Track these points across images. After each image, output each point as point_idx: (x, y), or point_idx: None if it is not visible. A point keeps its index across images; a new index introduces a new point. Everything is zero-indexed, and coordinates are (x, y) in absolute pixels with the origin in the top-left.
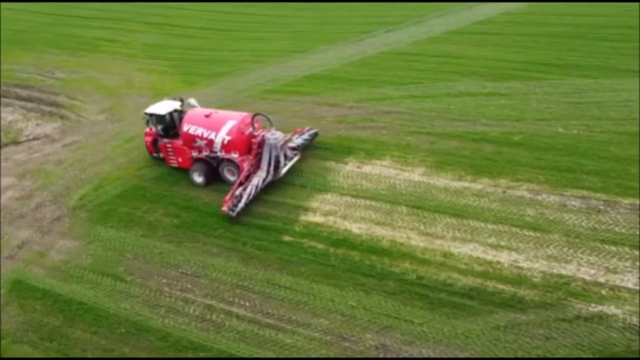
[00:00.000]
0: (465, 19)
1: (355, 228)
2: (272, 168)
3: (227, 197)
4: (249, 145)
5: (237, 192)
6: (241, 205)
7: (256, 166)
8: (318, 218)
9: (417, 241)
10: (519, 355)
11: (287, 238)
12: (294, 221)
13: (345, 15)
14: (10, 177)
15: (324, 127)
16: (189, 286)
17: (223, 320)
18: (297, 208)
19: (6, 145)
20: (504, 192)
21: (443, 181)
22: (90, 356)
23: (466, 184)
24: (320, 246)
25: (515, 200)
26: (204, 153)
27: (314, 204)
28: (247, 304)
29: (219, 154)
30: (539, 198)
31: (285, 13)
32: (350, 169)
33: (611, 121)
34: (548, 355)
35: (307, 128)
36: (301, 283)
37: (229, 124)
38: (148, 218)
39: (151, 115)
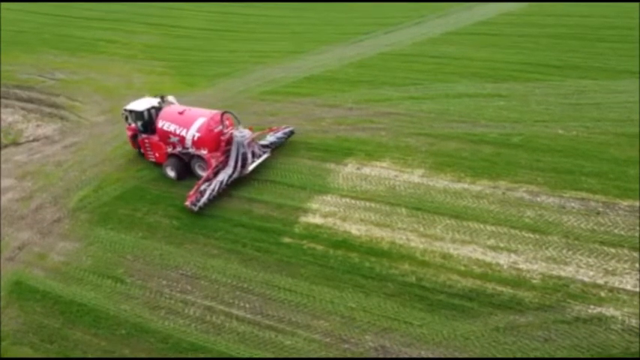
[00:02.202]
0: (465, 20)
1: (355, 229)
2: (239, 165)
3: (191, 192)
4: (219, 142)
5: (202, 187)
6: (204, 199)
7: (224, 163)
8: (317, 220)
9: (416, 243)
10: (518, 356)
11: (287, 240)
12: (294, 223)
13: (344, 16)
14: (10, 178)
15: (324, 128)
16: (189, 287)
17: (223, 322)
18: (297, 209)
19: (6, 146)
20: (504, 193)
21: (442, 182)
22: (90, 357)
23: (465, 186)
24: (319, 247)
25: (514, 202)
26: (177, 149)
27: (314, 205)
28: (247, 305)
29: (190, 150)
30: (539, 199)
31: (285, 14)
32: (349, 170)
33: (611, 122)
34: (547, 357)
35: (283, 127)
36: (301, 284)
37: (199, 122)
38: (148, 220)
39: (130, 111)
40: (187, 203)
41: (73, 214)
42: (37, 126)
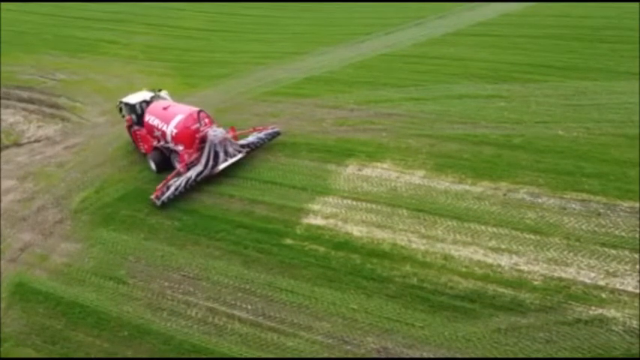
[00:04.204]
0: (465, 21)
1: (356, 231)
2: (210, 163)
3: (159, 186)
4: (194, 140)
5: (171, 182)
6: (168, 194)
7: (197, 160)
8: (319, 221)
9: (417, 244)
10: (520, 357)
11: (288, 241)
12: (296, 224)
13: (345, 17)
14: (11, 179)
15: (325, 129)
16: (191, 289)
17: (225, 323)
18: (299, 210)
19: (7, 147)
20: (505, 195)
21: (443, 183)
22: (93, 359)
23: (466, 187)
24: (321, 249)
25: (515, 203)
26: (161, 142)
27: (315, 207)
28: (249, 307)
29: (170, 145)
30: (540, 201)
31: (285, 15)
32: (351, 171)
33: (611, 123)
34: (548, 358)
35: (270, 127)
36: (302, 286)
37: (177, 118)
38: (150, 221)
39: (125, 104)
40: (152, 197)
41: (75, 216)
42: (39, 127)
